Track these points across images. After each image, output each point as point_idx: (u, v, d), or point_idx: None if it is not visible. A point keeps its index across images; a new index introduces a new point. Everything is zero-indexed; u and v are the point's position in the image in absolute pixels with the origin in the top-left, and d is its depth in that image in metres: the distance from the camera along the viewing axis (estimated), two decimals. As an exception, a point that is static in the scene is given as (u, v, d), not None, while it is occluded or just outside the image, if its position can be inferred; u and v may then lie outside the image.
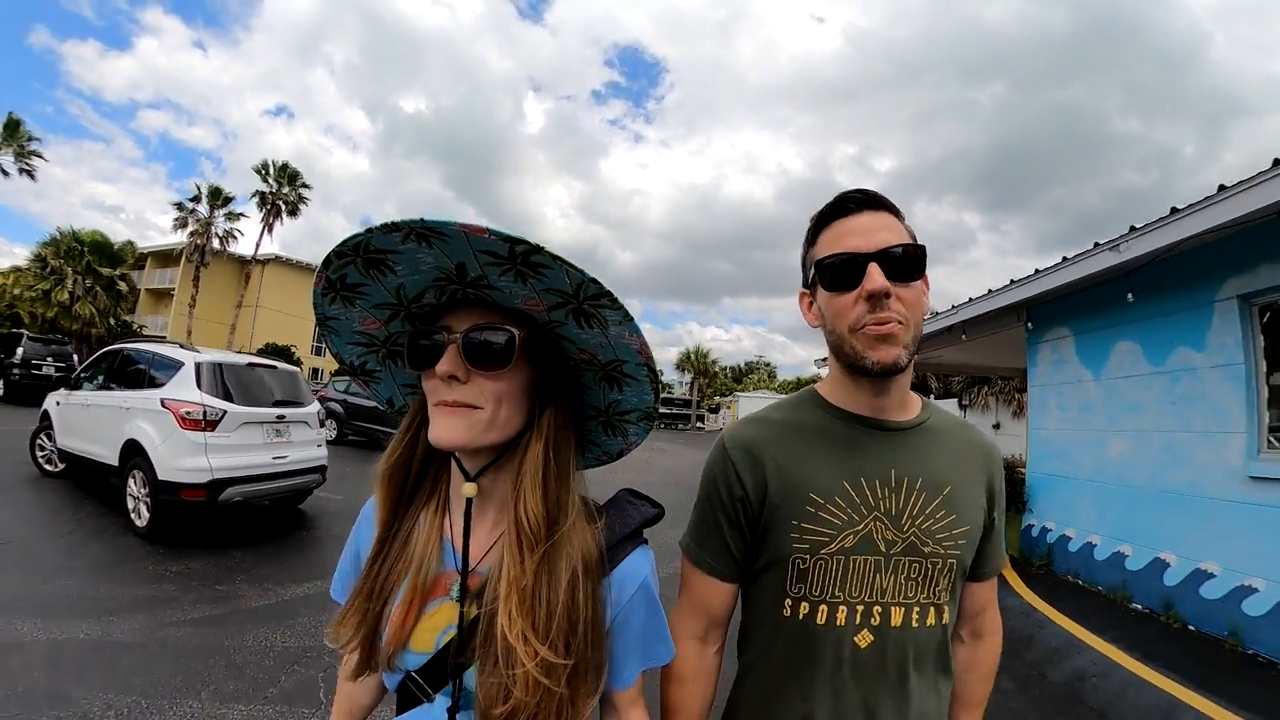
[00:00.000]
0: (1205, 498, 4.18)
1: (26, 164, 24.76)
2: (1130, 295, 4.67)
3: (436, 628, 0.71)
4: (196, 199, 28.91)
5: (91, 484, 6.03)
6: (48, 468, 6.58)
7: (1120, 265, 4.59)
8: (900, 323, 0.78)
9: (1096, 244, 4.80)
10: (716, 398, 47.48)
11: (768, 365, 63.49)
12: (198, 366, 4.66)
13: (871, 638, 0.82)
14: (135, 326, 26.82)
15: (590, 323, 0.68)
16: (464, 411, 0.67)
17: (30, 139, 24.59)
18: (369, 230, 0.59)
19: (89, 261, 23.35)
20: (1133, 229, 4.45)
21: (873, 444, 0.85)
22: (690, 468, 14.07)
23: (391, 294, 0.68)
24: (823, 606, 0.82)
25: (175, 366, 4.80)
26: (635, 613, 0.73)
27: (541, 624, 0.64)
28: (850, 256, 0.79)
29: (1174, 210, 4.11)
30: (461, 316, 0.68)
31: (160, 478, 4.34)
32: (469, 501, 0.70)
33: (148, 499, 4.52)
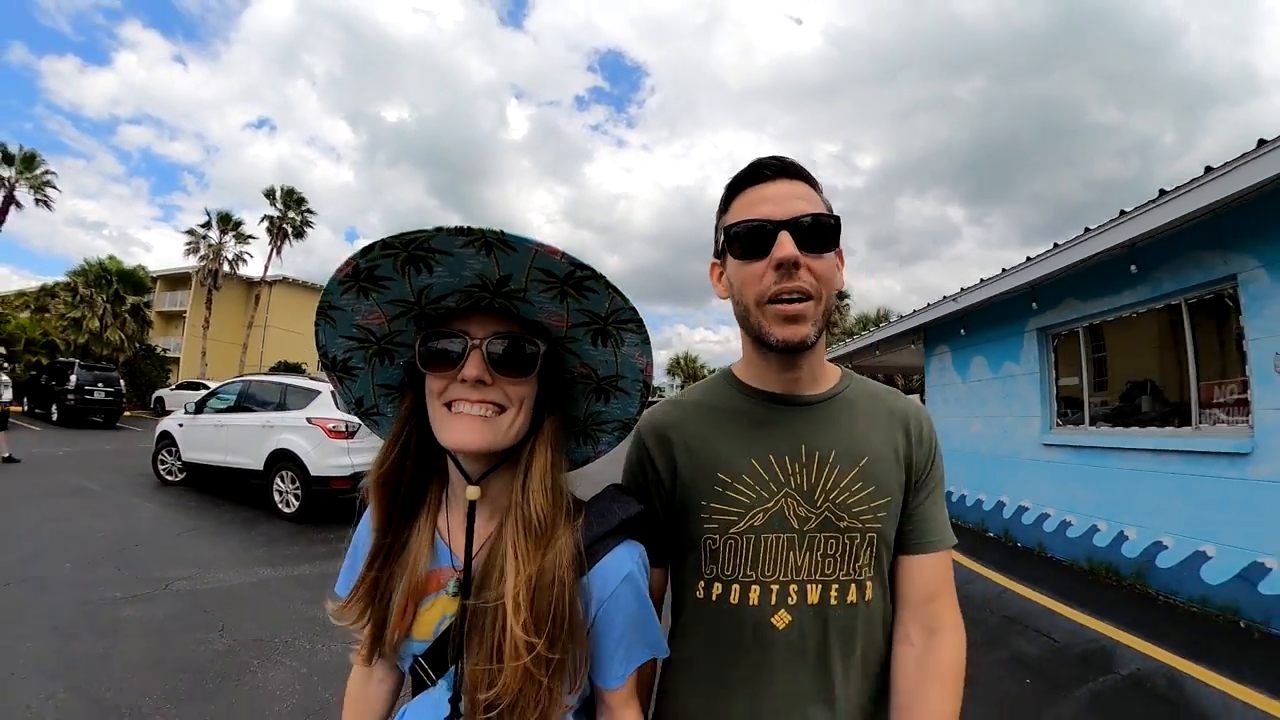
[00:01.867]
0: (1021, 459, 6.27)
1: (42, 195, 26.40)
2: (962, 330, 7.20)
3: (434, 619, 0.74)
4: (208, 225, 30.62)
5: (214, 488, 7.79)
6: (168, 478, 8.22)
7: (957, 310, 6.93)
8: (810, 298, 0.76)
9: (944, 297, 7.10)
10: (708, 398, 49.59)
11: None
12: (332, 393, 6.39)
13: (790, 618, 0.79)
14: (159, 350, 28.34)
15: (605, 342, 0.70)
16: (487, 417, 0.68)
17: (47, 171, 26.30)
18: (437, 229, 0.59)
19: (117, 290, 24.95)
20: (981, 280, 6.44)
21: (783, 420, 0.84)
22: None
23: (412, 293, 0.67)
24: (735, 586, 0.81)
25: (313, 393, 6.63)
26: (619, 609, 0.71)
27: (540, 617, 0.66)
28: (761, 224, 0.76)
29: (998, 272, 6.11)
30: (479, 323, 0.69)
31: (313, 474, 6.17)
32: (472, 504, 0.71)
33: (296, 491, 6.36)
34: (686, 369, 48.70)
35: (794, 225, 0.75)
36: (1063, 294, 5.67)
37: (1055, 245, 5.33)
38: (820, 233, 0.76)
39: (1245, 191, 3.52)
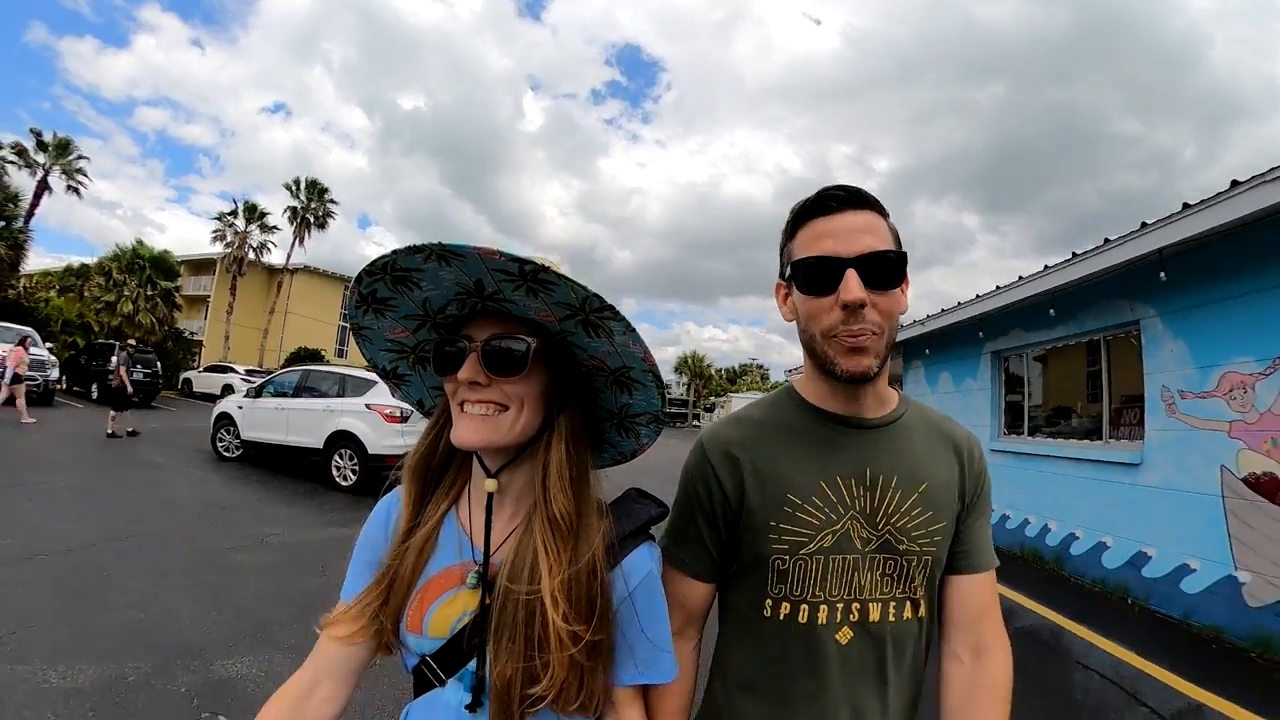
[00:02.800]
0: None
1: (74, 181, 27.50)
2: (927, 350, 8.33)
3: (451, 615, 0.74)
4: (234, 213, 31.75)
5: (269, 463, 8.78)
6: (226, 455, 9.21)
7: (925, 332, 7.94)
8: (875, 333, 0.77)
9: (915, 320, 8.00)
10: (712, 398, 50.49)
11: (760, 367, 66.51)
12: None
13: (851, 634, 0.82)
14: (187, 334, 29.60)
15: (598, 333, 0.71)
16: (488, 416, 0.71)
17: (79, 157, 27.24)
18: (394, 252, 0.64)
19: (150, 275, 26.08)
20: (942, 310, 7.40)
21: (847, 442, 0.85)
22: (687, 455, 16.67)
23: (418, 306, 0.73)
24: (804, 606, 0.82)
25: (372, 383, 7.67)
26: (637, 603, 0.74)
27: (579, 607, 0.69)
28: (828, 260, 0.77)
29: (952, 306, 7.05)
30: (481, 326, 0.73)
31: (371, 452, 7.24)
32: (490, 496, 0.74)
33: (354, 467, 7.44)
34: (694, 367, 49.62)
35: (861, 263, 0.75)
36: (1010, 324, 6.66)
37: (997, 287, 6.42)
38: (886, 269, 0.76)
39: (1135, 260, 4.47)
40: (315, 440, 7.77)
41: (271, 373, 22.38)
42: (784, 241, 0.87)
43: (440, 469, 0.81)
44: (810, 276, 0.78)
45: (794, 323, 0.86)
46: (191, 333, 31.04)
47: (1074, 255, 5.04)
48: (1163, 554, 4.68)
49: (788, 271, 0.85)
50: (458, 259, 0.63)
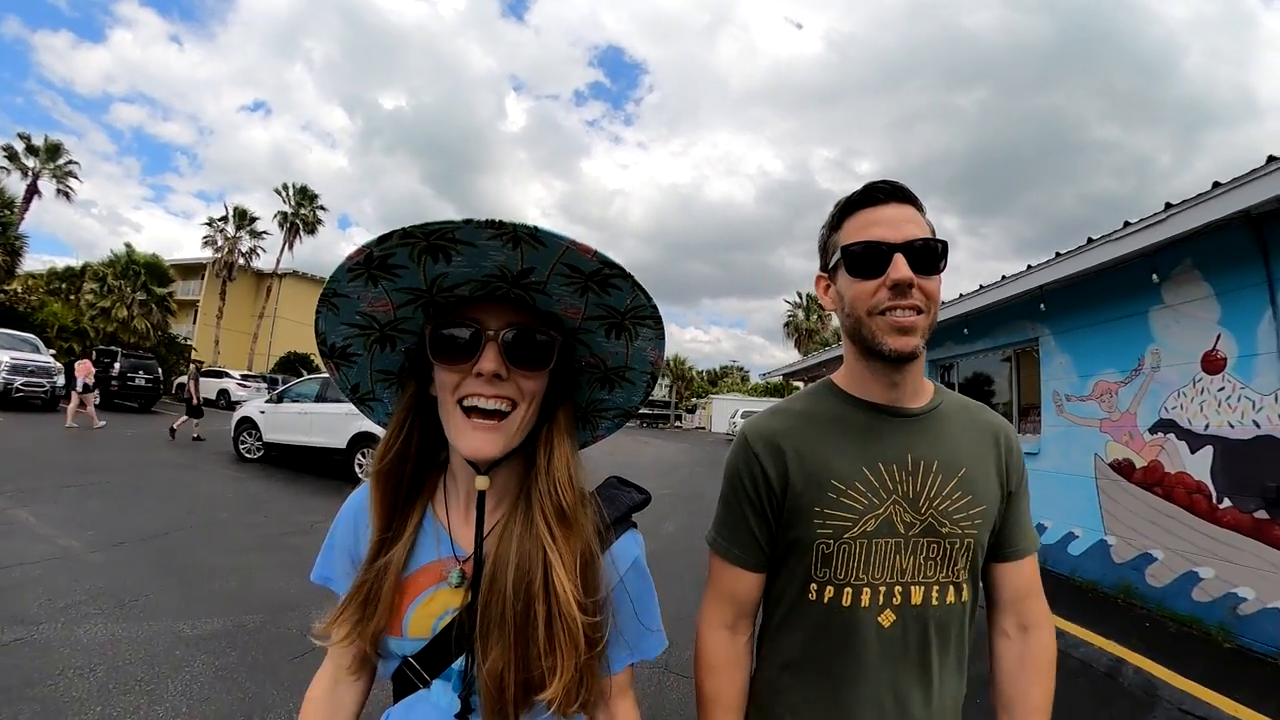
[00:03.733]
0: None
1: (64, 185, 27.73)
2: None
3: (433, 614, 0.71)
4: (225, 219, 32.12)
5: (291, 463, 9.59)
6: (248, 456, 9.99)
7: None
8: (920, 311, 0.82)
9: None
10: (693, 399, 51.65)
11: (741, 370, 67.98)
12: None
13: (894, 617, 0.84)
14: (180, 339, 29.95)
15: (619, 335, 0.70)
16: (499, 423, 0.67)
17: (69, 162, 27.41)
18: (466, 221, 0.56)
19: (144, 281, 26.44)
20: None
21: (889, 430, 0.88)
22: (674, 453, 17.81)
23: (426, 281, 0.65)
24: (847, 589, 0.84)
25: None
26: (630, 588, 0.74)
27: (585, 596, 0.68)
28: (877, 245, 0.81)
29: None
30: (492, 313, 0.68)
31: None
32: (481, 494, 0.70)
33: (375, 465, 8.30)
34: (675, 369, 50.59)
35: (908, 248, 0.80)
36: (942, 339, 7.75)
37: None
38: (931, 255, 0.81)
39: (1025, 293, 5.60)
40: (339, 441, 8.62)
41: (265, 378, 22.94)
42: (827, 235, 0.92)
43: (415, 469, 0.75)
44: (860, 260, 0.83)
45: (836, 311, 0.91)
46: (185, 338, 31.28)
47: (981, 287, 6.24)
48: (1056, 525, 5.79)
49: (833, 260, 0.89)
50: (536, 246, 0.58)
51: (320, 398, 9.23)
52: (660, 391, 49.36)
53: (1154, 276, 4.71)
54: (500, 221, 0.56)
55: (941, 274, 0.84)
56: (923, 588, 0.85)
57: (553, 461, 0.71)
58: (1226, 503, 4.23)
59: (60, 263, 29.07)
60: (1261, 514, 3.96)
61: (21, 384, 14.51)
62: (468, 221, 0.56)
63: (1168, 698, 3.30)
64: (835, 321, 0.98)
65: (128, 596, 3.85)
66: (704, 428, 45.75)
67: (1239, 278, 4.19)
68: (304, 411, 9.25)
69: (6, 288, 22.13)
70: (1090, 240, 4.88)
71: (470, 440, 0.67)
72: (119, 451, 9.79)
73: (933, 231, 0.85)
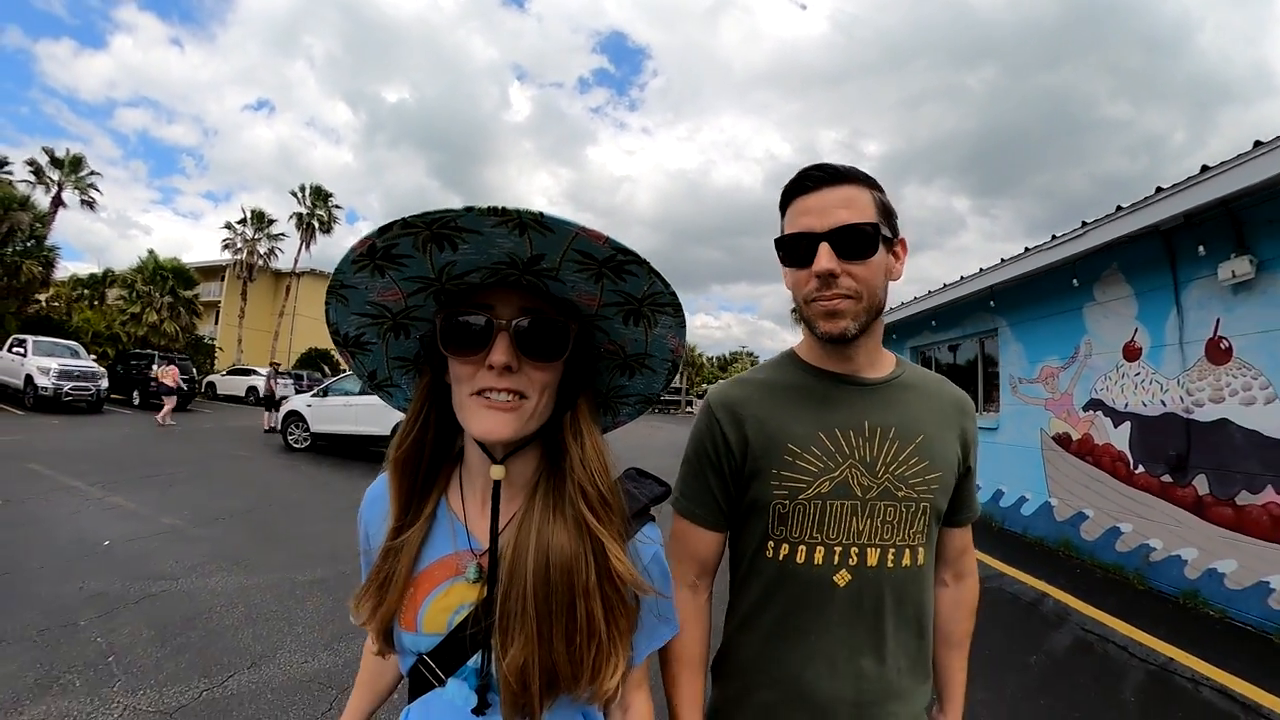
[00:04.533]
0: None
1: (86, 196, 28.66)
2: None
3: (448, 608, 0.70)
4: (244, 222, 33.19)
5: (336, 451, 10.63)
6: (296, 446, 10.98)
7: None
8: (850, 297, 0.83)
9: None
10: (704, 385, 52.54)
11: (750, 355, 68.69)
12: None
13: (850, 577, 0.86)
14: (207, 340, 31.18)
15: (638, 322, 0.68)
16: (512, 405, 0.65)
17: (91, 173, 28.23)
18: (467, 209, 0.54)
19: (172, 286, 27.56)
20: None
21: (846, 398, 0.91)
22: (685, 437, 18.26)
23: (434, 270, 0.63)
24: (801, 547, 0.87)
25: None
26: (653, 579, 0.74)
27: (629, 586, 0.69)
28: (803, 236, 0.84)
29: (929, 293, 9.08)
30: (505, 300, 0.66)
31: None
32: (497, 484, 0.69)
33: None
34: (686, 356, 51.01)
35: (833, 236, 0.82)
36: (921, 328, 8.65)
37: (901, 303, 8.47)
38: (859, 240, 0.82)
39: (978, 291, 6.47)
40: (383, 429, 9.60)
41: (290, 374, 23.77)
42: (781, 221, 0.93)
43: (433, 457, 0.74)
44: (790, 251, 0.86)
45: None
46: (211, 338, 32.48)
47: (944, 285, 7.18)
48: (1011, 490, 6.70)
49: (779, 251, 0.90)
50: (543, 232, 0.56)
51: (363, 390, 10.13)
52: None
53: (1074, 281, 5.60)
54: (503, 209, 0.54)
55: (887, 253, 0.86)
56: (879, 550, 0.87)
57: (586, 451, 0.70)
58: (1140, 469, 5.08)
59: (72, 268, 30.21)
60: (1166, 478, 4.81)
61: (70, 388, 15.41)
62: (469, 209, 0.54)
63: (1075, 620, 4.19)
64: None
65: (240, 557, 4.65)
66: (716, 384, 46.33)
67: (1152, 280, 5.01)
68: (348, 404, 10.23)
69: (39, 297, 23.06)
70: (1027, 249, 5.75)
71: (483, 421, 0.65)
72: (177, 445, 10.78)
73: (882, 211, 0.86)
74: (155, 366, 18.67)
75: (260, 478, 8.31)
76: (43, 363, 15.28)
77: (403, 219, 0.56)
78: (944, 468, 0.91)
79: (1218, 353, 4.39)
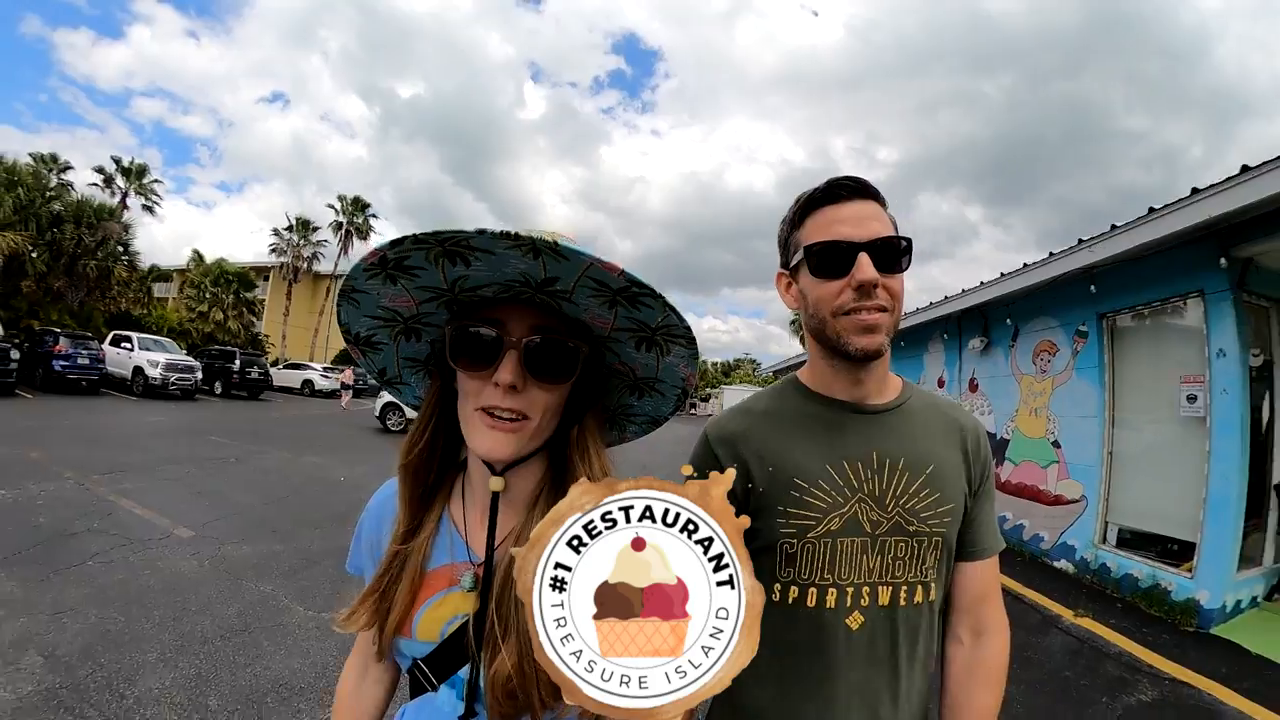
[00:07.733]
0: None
1: (149, 202, 31.09)
2: None
3: (442, 618, 0.71)
4: (290, 228, 36.76)
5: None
6: (393, 429, 13.56)
7: None
8: (885, 310, 0.81)
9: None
10: (707, 389, 55.85)
11: (752, 362, 72.09)
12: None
13: (862, 619, 0.82)
14: (262, 337, 34.24)
15: (650, 349, 0.68)
16: (515, 425, 0.65)
17: (154, 180, 30.91)
18: (479, 231, 0.53)
19: (236, 288, 31.00)
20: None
21: (853, 427, 0.87)
22: (688, 434, 20.48)
23: (446, 282, 0.63)
24: (812, 590, 0.82)
25: None
26: None
27: None
28: (842, 245, 0.80)
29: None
30: (517, 316, 0.66)
31: None
32: (495, 495, 0.69)
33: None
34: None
35: (873, 247, 0.79)
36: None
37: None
38: (895, 253, 0.81)
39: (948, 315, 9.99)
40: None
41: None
42: (788, 232, 0.90)
43: (441, 464, 0.75)
44: (824, 260, 0.82)
45: (798, 310, 0.89)
46: (266, 335, 35.47)
47: (930, 304, 10.54)
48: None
49: (795, 259, 0.87)
50: (558, 259, 0.56)
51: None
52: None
53: (944, 336, 9.01)
54: (516, 234, 0.53)
55: (904, 271, 0.84)
56: (890, 588, 0.84)
57: (592, 470, 0.69)
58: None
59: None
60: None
61: (176, 379, 17.46)
62: (481, 232, 0.53)
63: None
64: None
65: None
66: (715, 415, 48.65)
67: (950, 344, 8.49)
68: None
69: (122, 297, 26.01)
70: (917, 309, 9.02)
71: (484, 440, 0.66)
72: (290, 426, 13.57)
73: (896, 228, 0.84)
74: (235, 361, 21.37)
75: (386, 450, 10.59)
76: (152, 356, 17.39)
77: (414, 235, 0.56)
78: (955, 499, 0.88)
79: (972, 386, 7.93)
